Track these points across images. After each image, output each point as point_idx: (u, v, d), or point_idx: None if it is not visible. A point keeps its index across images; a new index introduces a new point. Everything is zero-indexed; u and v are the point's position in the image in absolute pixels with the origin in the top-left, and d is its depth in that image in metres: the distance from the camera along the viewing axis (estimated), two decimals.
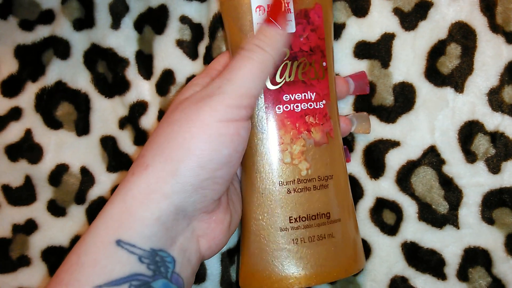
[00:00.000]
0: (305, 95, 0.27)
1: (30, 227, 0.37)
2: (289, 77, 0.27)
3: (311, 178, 0.27)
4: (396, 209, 0.33)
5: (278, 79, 0.27)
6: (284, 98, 0.27)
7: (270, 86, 0.27)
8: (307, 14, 0.28)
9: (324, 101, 0.28)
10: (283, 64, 0.27)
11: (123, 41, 0.36)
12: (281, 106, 0.27)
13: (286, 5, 0.27)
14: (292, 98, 0.27)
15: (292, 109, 0.27)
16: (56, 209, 0.37)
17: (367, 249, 0.33)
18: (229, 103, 0.24)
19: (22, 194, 0.37)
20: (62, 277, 0.22)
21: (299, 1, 0.27)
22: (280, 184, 0.27)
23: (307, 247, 0.27)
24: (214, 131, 0.23)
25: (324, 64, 0.28)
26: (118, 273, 0.22)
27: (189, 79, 0.35)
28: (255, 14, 0.27)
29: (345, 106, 0.34)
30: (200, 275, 0.35)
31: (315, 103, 0.28)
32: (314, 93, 0.28)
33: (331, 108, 0.29)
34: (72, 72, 0.37)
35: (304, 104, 0.27)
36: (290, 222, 0.27)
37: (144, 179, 0.23)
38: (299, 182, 0.27)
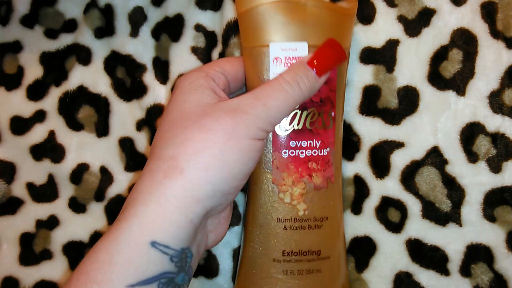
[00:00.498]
0: (310, 143, 0.29)
1: (52, 222, 0.39)
2: (298, 125, 0.29)
3: (307, 218, 0.30)
4: (400, 207, 0.34)
5: (287, 126, 0.29)
6: (291, 144, 0.29)
7: (279, 132, 0.29)
8: None
9: (328, 149, 0.30)
10: (293, 113, 0.29)
11: (141, 48, 0.38)
12: (287, 151, 0.29)
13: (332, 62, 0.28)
14: (298, 145, 0.29)
15: (297, 154, 0.29)
16: (77, 206, 0.39)
17: (373, 246, 0.35)
18: (260, 126, 0.25)
19: (45, 192, 0.39)
20: (94, 275, 0.22)
21: None
22: (278, 221, 0.29)
23: (295, 278, 0.30)
24: (246, 147, 0.25)
25: (333, 114, 0.30)
26: (151, 273, 0.22)
27: None
28: (272, 65, 0.29)
29: (351, 109, 0.35)
30: (213, 270, 0.37)
31: (319, 150, 0.29)
32: (320, 141, 0.29)
33: (335, 154, 0.30)
34: (93, 77, 0.39)
35: (308, 151, 0.29)
36: (283, 255, 0.30)
37: (180, 185, 0.24)
38: (295, 221, 0.29)
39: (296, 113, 0.29)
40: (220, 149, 0.24)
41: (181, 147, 0.25)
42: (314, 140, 0.29)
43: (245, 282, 0.31)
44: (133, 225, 0.23)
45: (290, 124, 0.29)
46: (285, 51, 0.29)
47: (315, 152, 0.29)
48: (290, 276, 0.30)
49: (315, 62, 0.27)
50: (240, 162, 0.25)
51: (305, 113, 0.29)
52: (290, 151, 0.29)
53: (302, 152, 0.29)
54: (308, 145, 0.29)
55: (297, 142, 0.29)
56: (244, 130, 0.25)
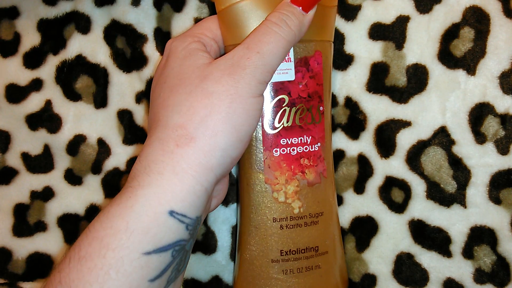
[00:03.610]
0: (301, 139, 0.29)
1: (47, 194, 0.38)
2: (287, 122, 0.28)
3: (303, 215, 0.29)
4: (405, 187, 0.33)
5: (276, 124, 0.28)
6: (281, 142, 0.28)
7: (268, 130, 0.28)
8: (307, 61, 0.29)
9: (319, 144, 0.29)
10: (281, 110, 0.28)
11: (143, 18, 0.37)
12: (278, 149, 0.29)
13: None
14: (289, 142, 0.29)
15: (288, 152, 0.29)
16: (73, 178, 0.38)
17: (375, 226, 0.34)
18: (259, 79, 0.25)
19: (41, 162, 0.38)
20: (108, 241, 0.22)
21: (299, 49, 0.28)
22: (274, 221, 0.29)
23: (295, 277, 0.29)
24: (250, 106, 0.25)
25: (321, 108, 0.29)
26: (167, 241, 0.23)
27: None
28: None
29: (358, 86, 0.34)
30: (211, 246, 0.36)
31: (310, 146, 0.29)
32: (310, 137, 0.29)
33: (326, 149, 0.30)
34: (92, 47, 0.38)
35: (300, 148, 0.29)
36: (281, 255, 0.29)
37: (193, 153, 0.24)
38: (291, 219, 0.29)
39: (285, 110, 0.28)
40: (226, 113, 0.24)
41: (187, 114, 0.25)
42: (305, 136, 0.29)
43: (244, 285, 0.31)
44: (150, 194, 0.23)
45: (279, 122, 0.28)
46: None
47: (306, 148, 0.29)
48: (290, 275, 0.29)
49: None
50: (246, 124, 0.25)
51: (294, 109, 0.28)
52: (281, 149, 0.28)
53: (293, 149, 0.29)
54: (299, 142, 0.29)
55: (287, 139, 0.28)
56: (246, 89, 0.25)
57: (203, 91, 0.25)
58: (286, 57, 0.28)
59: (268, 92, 0.28)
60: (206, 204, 0.25)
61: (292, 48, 0.28)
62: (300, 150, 0.29)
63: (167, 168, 0.23)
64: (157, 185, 0.23)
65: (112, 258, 0.21)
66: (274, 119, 0.28)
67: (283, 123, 0.28)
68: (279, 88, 0.28)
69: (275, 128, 0.28)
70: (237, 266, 0.31)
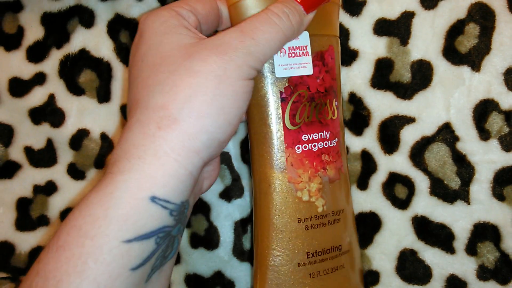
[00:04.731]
0: (321, 135, 0.28)
1: (50, 188, 0.38)
2: (308, 117, 0.28)
3: (326, 214, 0.28)
4: (408, 183, 0.33)
5: (297, 119, 0.28)
6: (303, 138, 0.28)
7: (289, 126, 0.27)
8: (323, 56, 0.28)
9: (336, 139, 0.29)
10: (302, 105, 0.27)
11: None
12: (300, 146, 0.28)
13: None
14: (310, 138, 0.28)
15: (310, 148, 0.28)
16: (76, 172, 0.38)
17: (378, 222, 0.34)
18: (251, 64, 0.24)
19: (44, 156, 0.38)
20: (86, 229, 0.21)
21: (315, 44, 0.28)
22: (299, 221, 0.28)
23: (322, 280, 0.28)
24: (240, 89, 0.23)
25: (336, 103, 0.29)
26: (149, 228, 0.22)
27: None
28: (276, 56, 0.27)
29: (362, 82, 0.34)
30: (213, 241, 0.36)
31: (329, 141, 0.28)
32: (329, 132, 0.28)
33: (341, 144, 0.30)
34: (96, 41, 0.38)
35: (320, 143, 0.28)
36: (307, 258, 0.28)
37: (176, 136, 0.22)
38: (316, 218, 0.28)
39: (305, 105, 0.28)
40: (212, 94, 0.23)
41: (170, 94, 0.23)
42: (324, 131, 0.28)
43: None
44: (130, 179, 0.22)
45: (300, 118, 0.28)
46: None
47: (326, 144, 0.28)
48: (317, 278, 0.28)
49: None
50: (235, 107, 0.23)
51: (313, 104, 0.28)
52: (303, 146, 0.28)
53: (314, 145, 0.28)
54: (320, 137, 0.28)
55: (309, 135, 0.28)
56: (236, 71, 0.23)
57: (187, 70, 0.23)
58: (304, 51, 0.27)
59: (287, 87, 0.27)
60: (192, 188, 0.24)
61: (309, 41, 0.27)
62: (320, 146, 0.28)
63: (148, 152, 0.22)
64: (137, 170, 0.22)
65: (91, 247, 0.20)
66: (295, 115, 0.27)
67: (303, 119, 0.28)
68: (298, 82, 0.28)
69: (296, 124, 0.28)
70: (259, 274, 0.29)
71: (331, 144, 0.29)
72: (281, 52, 0.27)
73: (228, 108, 0.23)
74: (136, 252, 0.21)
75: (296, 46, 0.27)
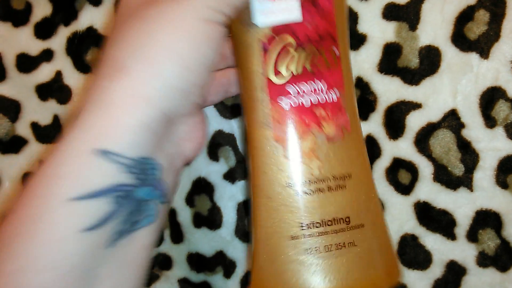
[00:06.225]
0: (314, 87, 0.25)
1: None
2: (296, 70, 0.25)
3: (325, 178, 0.24)
4: (412, 169, 0.33)
5: (284, 72, 0.25)
6: (290, 91, 0.25)
7: (275, 80, 0.25)
8: (315, 0, 0.25)
9: (338, 92, 0.25)
10: (290, 56, 0.25)
11: None
12: (288, 101, 0.25)
13: None
14: (300, 91, 0.25)
15: (299, 103, 0.25)
16: None
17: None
18: (210, 5, 0.22)
19: (50, 133, 0.38)
20: (35, 190, 0.20)
21: None
22: (289, 186, 0.24)
23: (323, 257, 0.24)
24: (196, 30, 0.21)
25: (336, 51, 0.25)
26: (100, 185, 0.20)
27: None
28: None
29: (369, 67, 0.34)
30: (216, 222, 0.36)
31: (326, 94, 0.25)
32: (325, 84, 0.25)
33: (347, 99, 0.26)
34: (103, 19, 0.38)
35: (313, 96, 0.25)
36: (301, 229, 0.24)
37: (126, 83, 0.21)
38: (310, 183, 0.24)
39: (293, 55, 0.24)
40: (165, 38, 0.21)
41: (122, 43, 0.22)
42: (317, 81, 0.24)
43: (260, 274, 0.25)
44: (77, 134, 0.21)
45: (287, 70, 0.24)
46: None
47: (321, 97, 0.25)
48: (316, 255, 0.23)
49: None
50: (194, 51, 0.22)
51: (303, 54, 0.24)
52: (291, 100, 0.25)
53: (306, 100, 0.25)
54: (311, 90, 0.25)
55: (297, 87, 0.24)
56: (190, 12, 0.21)
57: (140, 17, 0.22)
58: None
59: (271, 36, 0.24)
60: (155, 144, 0.22)
61: None
62: (314, 100, 0.25)
63: (96, 104, 0.21)
64: (85, 125, 0.21)
65: (37, 207, 0.20)
66: (280, 66, 0.24)
67: (291, 71, 0.25)
68: (284, 30, 0.24)
69: (282, 77, 0.25)
70: (252, 252, 0.26)
71: (328, 98, 0.25)
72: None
73: (186, 53, 0.21)
74: (88, 211, 0.20)
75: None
